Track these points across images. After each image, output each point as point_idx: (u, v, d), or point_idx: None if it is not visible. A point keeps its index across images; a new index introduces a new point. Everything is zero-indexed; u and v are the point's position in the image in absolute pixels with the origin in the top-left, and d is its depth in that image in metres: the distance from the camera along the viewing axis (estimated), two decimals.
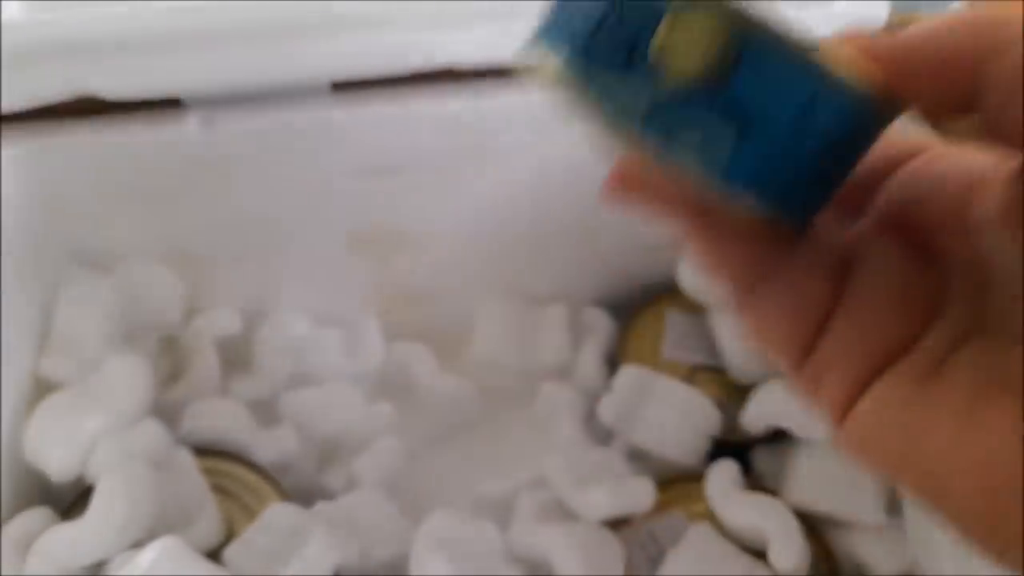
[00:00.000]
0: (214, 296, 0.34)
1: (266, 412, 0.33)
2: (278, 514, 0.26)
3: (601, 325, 0.36)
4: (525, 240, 0.35)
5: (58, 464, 0.26)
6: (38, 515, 0.26)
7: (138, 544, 0.24)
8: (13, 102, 0.28)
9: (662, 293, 0.36)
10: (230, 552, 0.26)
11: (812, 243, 0.14)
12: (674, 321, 0.35)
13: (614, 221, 0.35)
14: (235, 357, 0.34)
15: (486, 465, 0.33)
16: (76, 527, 0.24)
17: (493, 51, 0.28)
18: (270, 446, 0.30)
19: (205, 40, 0.28)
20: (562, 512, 0.28)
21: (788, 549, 0.26)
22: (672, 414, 0.30)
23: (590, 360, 0.34)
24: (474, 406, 0.35)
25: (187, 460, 0.27)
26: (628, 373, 0.31)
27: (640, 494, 0.27)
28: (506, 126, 0.30)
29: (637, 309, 0.36)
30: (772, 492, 0.29)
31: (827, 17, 0.29)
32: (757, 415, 0.30)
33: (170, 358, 0.34)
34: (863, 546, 0.27)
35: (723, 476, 0.28)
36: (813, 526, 0.28)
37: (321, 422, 0.32)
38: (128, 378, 0.27)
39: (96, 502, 0.24)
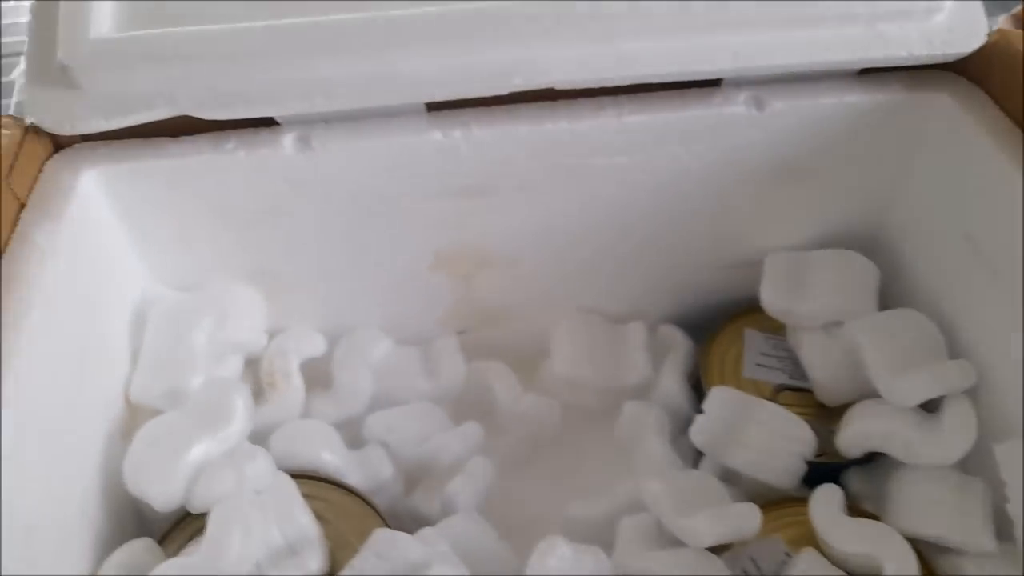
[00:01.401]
0: (294, 315, 0.33)
1: (348, 433, 0.32)
2: (386, 541, 0.25)
3: (679, 343, 0.35)
4: (605, 259, 0.34)
5: (162, 494, 0.25)
6: (140, 547, 0.25)
7: None
8: (106, 121, 0.26)
9: (739, 312, 0.35)
10: None
11: None
12: (753, 340, 0.34)
13: (693, 240, 0.34)
14: (314, 376, 0.33)
15: (571, 486, 0.32)
16: (190, 561, 0.23)
17: (593, 71, 0.27)
18: (361, 469, 0.29)
19: (301, 59, 0.26)
20: (664, 537, 0.27)
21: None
22: (768, 436, 0.29)
23: (671, 379, 0.33)
24: (556, 425, 0.33)
25: (290, 487, 0.26)
26: (720, 394, 0.30)
27: (746, 519, 0.26)
28: (598, 147, 0.29)
29: (715, 328, 0.35)
30: (872, 515, 0.28)
31: (924, 33, 0.28)
32: (855, 438, 0.29)
33: (251, 379, 0.32)
34: (974, 573, 0.26)
35: (828, 501, 0.27)
36: (920, 552, 0.27)
37: (409, 443, 0.31)
38: (230, 403, 0.26)
39: (210, 533, 0.23)
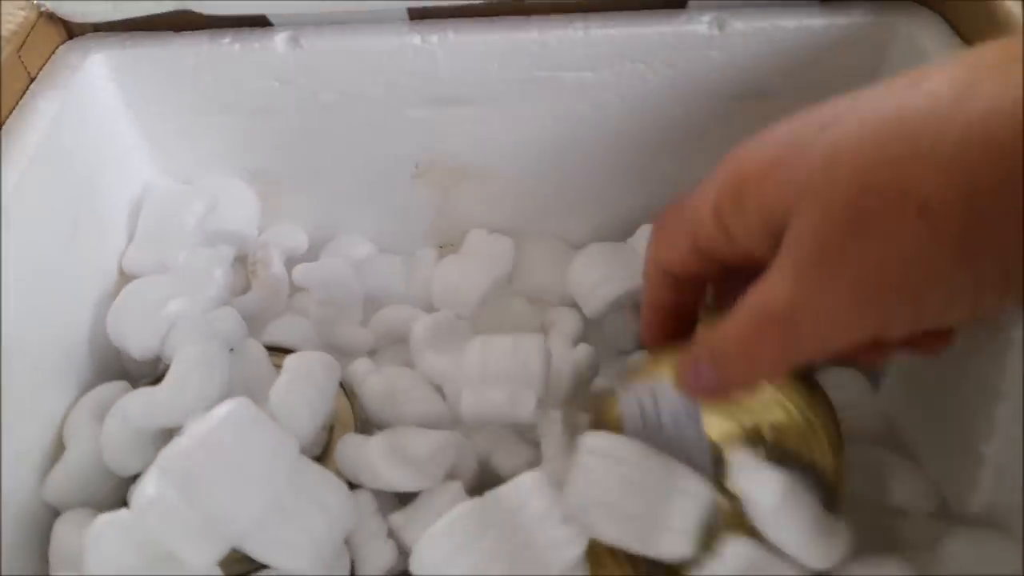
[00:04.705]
0: (286, 217, 0.34)
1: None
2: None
3: None
4: (576, 179, 0.34)
5: (139, 342, 0.26)
6: (115, 387, 0.26)
7: None
8: (115, 10, 0.28)
9: None
10: None
11: None
12: None
13: (660, 164, 0.34)
14: None
15: None
16: (153, 392, 0.23)
17: None
18: None
19: None
20: None
21: None
22: None
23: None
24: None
25: (258, 350, 0.27)
26: None
27: None
28: (566, 61, 0.29)
29: None
30: None
31: None
32: None
33: (241, 274, 0.33)
34: None
35: None
36: None
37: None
38: (209, 270, 0.27)
39: (174, 369, 0.24)
